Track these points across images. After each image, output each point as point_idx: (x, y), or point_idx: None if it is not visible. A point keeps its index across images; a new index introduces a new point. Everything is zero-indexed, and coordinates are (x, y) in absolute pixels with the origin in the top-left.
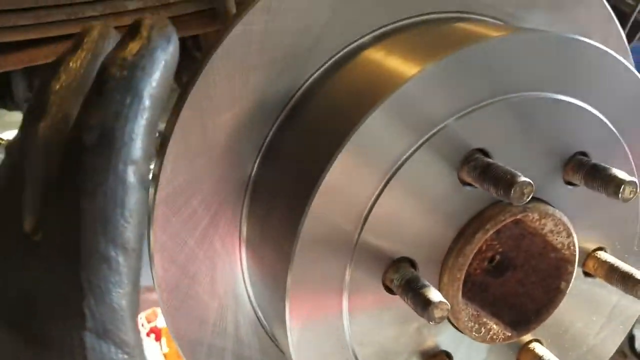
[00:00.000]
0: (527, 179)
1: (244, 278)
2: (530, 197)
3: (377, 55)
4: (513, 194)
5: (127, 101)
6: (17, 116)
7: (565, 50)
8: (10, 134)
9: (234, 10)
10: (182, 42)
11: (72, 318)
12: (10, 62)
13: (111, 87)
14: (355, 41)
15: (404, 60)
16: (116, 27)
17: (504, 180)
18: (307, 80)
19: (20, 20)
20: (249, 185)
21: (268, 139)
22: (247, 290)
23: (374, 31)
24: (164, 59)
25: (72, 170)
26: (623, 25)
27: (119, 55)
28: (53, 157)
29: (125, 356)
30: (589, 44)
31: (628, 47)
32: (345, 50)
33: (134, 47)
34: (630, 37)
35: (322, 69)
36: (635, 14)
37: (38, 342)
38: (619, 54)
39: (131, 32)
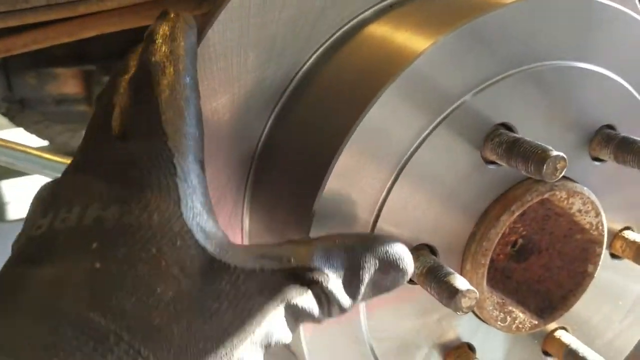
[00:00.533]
0: (560, 153)
1: None
2: (563, 172)
3: (382, 29)
4: (545, 169)
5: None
6: None
7: (585, 14)
8: None
9: None
10: None
11: (165, 169)
12: None
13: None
14: (358, 15)
15: (413, 34)
16: (98, 13)
17: (535, 156)
18: (309, 59)
19: None
20: (250, 175)
21: (269, 123)
22: None
23: (376, 4)
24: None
25: (148, 84)
26: None
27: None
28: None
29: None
30: (610, 6)
31: None
32: (348, 26)
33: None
34: None
35: (324, 46)
36: None
37: (135, 184)
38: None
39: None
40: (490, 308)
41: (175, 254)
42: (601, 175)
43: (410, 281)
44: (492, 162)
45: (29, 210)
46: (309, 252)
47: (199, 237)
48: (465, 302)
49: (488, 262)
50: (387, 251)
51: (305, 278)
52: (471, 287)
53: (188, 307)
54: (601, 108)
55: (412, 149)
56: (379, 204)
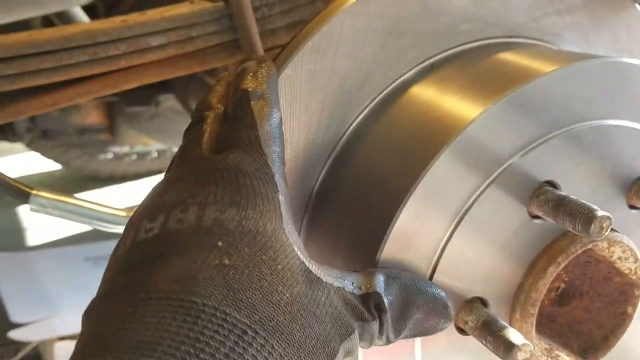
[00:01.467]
0: (606, 213)
1: None
2: (608, 230)
3: (428, 92)
4: (593, 229)
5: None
6: (6, 144)
7: (616, 75)
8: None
9: (258, 41)
10: None
11: (270, 184)
12: (34, 106)
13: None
14: (401, 76)
15: (461, 100)
16: (139, 65)
17: (581, 215)
18: (355, 119)
19: (43, 63)
20: (302, 224)
21: (320, 179)
22: None
23: (418, 64)
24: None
25: (242, 104)
26: None
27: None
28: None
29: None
30: (638, 65)
31: None
32: (392, 86)
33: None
34: None
35: (374, 102)
36: None
37: (248, 191)
38: None
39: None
40: (539, 354)
41: (286, 260)
42: (638, 221)
43: (463, 331)
44: (538, 217)
45: (126, 226)
46: (374, 281)
47: (299, 252)
48: (521, 356)
49: (537, 312)
50: (436, 297)
51: (372, 304)
52: (526, 341)
53: (300, 309)
54: (637, 160)
55: (465, 207)
56: (435, 258)
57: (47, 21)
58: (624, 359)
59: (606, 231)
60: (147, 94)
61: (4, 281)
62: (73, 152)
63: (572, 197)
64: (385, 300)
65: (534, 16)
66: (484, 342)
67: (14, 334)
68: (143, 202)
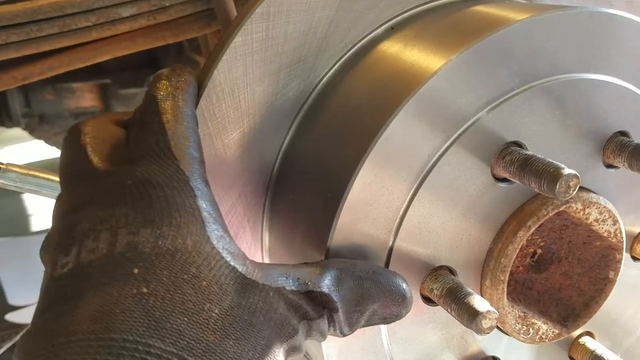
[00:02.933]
0: (573, 171)
1: None
2: (576, 189)
3: (394, 48)
4: (558, 188)
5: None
6: (15, 132)
7: (592, 26)
8: (9, 150)
9: (233, 10)
10: (179, 44)
11: (185, 191)
12: (5, 81)
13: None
14: (367, 35)
15: (424, 53)
16: (111, 37)
17: (547, 174)
18: (318, 83)
19: (11, 37)
20: (266, 200)
21: (282, 151)
22: None
23: (384, 23)
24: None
25: (150, 109)
26: None
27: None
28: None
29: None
30: (615, 15)
31: None
32: (351, 51)
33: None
34: None
35: (334, 68)
36: None
37: (160, 205)
38: None
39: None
40: (513, 322)
41: (211, 274)
42: (617, 180)
43: (430, 301)
44: (505, 180)
45: (45, 260)
46: (323, 277)
47: (227, 257)
48: (485, 324)
49: (507, 278)
50: (393, 288)
51: (318, 301)
52: (491, 308)
53: (233, 323)
54: (613, 115)
55: (428, 167)
56: (396, 223)
57: None
58: (606, 326)
59: (573, 190)
60: (138, 76)
61: (2, 265)
62: None
63: (539, 156)
64: (336, 296)
65: None
66: (449, 310)
67: (11, 317)
68: (54, 229)
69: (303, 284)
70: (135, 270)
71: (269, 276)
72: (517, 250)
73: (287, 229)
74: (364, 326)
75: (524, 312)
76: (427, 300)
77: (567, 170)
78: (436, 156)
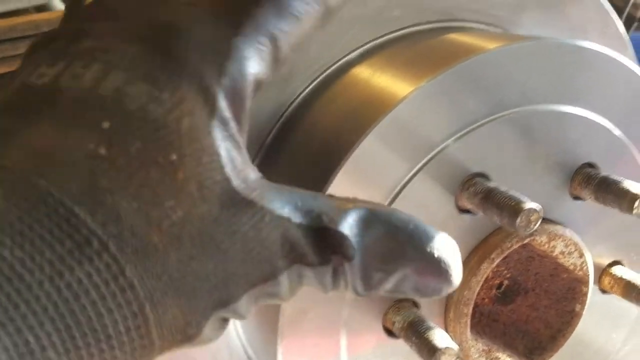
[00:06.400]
0: (534, 205)
1: (234, 322)
2: (538, 224)
3: (365, 74)
4: (519, 222)
5: None
6: None
7: (562, 57)
8: None
9: None
10: None
11: (217, 55)
12: None
13: None
14: (340, 59)
15: (394, 80)
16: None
17: (508, 208)
18: (290, 105)
19: None
20: None
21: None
22: (238, 334)
23: (357, 48)
24: None
25: None
26: None
27: None
28: None
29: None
30: (584, 47)
31: (627, 41)
32: (330, 70)
33: None
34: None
35: (305, 91)
36: (628, 7)
37: (173, 65)
38: (617, 49)
39: None
40: (476, 356)
41: (196, 170)
42: (585, 212)
43: (392, 333)
44: (469, 212)
45: (28, 58)
46: (346, 215)
47: (225, 163)
48: (444, 359)
49: (470, 311)
50: (434, 255)
51: (329, 242)
52: (450, 344)
53: (195, 235)
54: (581, 147)
55: (394, 194)
56: None
57: None
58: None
59: (535, 225)
60: None
61: None
62: None
63: (502, 188)
64: (356, 242)
65: None
66: (410, 344)
67: None
68: (59, 28)
69: (317, 217)
70: (105, 125)
71: (274, 200)
72: (481, 283)
73: None
74: (390, 293)
75: (488, 346)
76: (390, 333)
77: (528, 205)
78: (402, 182)
